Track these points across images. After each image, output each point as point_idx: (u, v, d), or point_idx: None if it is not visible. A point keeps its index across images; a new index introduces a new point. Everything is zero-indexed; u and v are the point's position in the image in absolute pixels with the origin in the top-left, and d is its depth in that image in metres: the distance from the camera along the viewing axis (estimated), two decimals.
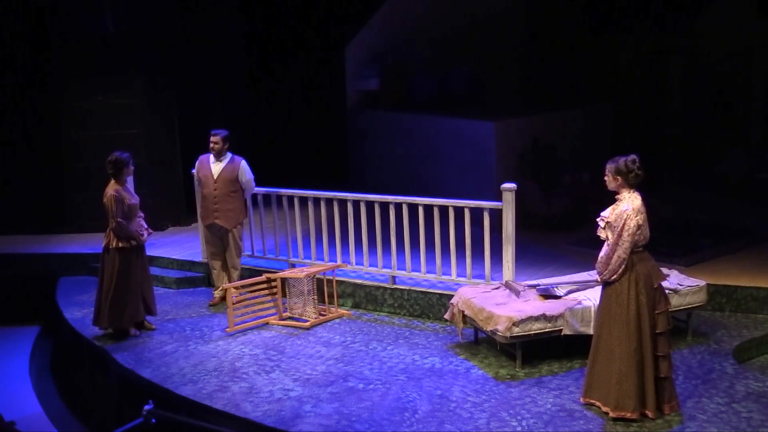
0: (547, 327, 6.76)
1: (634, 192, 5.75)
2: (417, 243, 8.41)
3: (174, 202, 11.81)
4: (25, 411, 8.36)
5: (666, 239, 9.01)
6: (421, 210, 8.30)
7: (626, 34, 13.08)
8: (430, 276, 8.38)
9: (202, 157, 9.01)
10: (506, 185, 7.72)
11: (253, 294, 8.53)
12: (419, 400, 6.33)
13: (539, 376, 6.67)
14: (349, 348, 7.55)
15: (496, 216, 7.96)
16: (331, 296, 8.56)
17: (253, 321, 8.30)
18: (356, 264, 8.84)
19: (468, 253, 8.02)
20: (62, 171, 11.55)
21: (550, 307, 6.82)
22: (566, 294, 7.08)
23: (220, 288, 8.98)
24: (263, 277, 8.62)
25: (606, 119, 12.34)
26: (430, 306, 8.27)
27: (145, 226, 8.11)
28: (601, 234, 5.84)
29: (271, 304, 8.52)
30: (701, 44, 12.57)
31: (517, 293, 7.17)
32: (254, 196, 9.26)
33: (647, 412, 5.77)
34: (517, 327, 6.66)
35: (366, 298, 8.69)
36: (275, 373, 7.00)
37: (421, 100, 12.57)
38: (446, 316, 7.49)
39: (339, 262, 8.81)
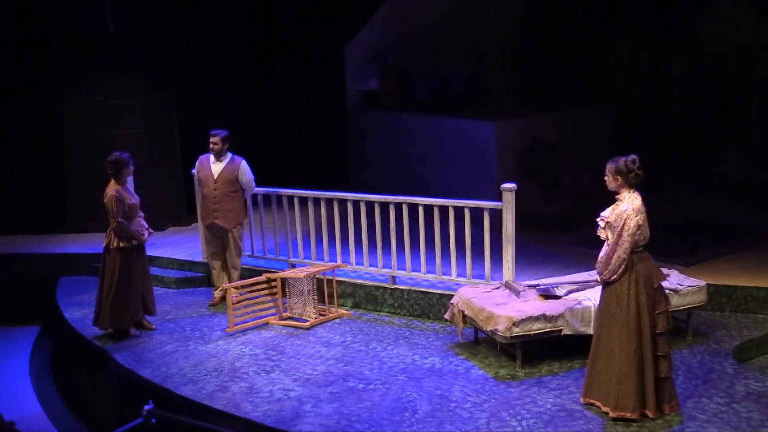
0: (547, 327, 6.76)
1: (634, 192, 5.75)
2: (417, 243, 8.41)
3: (174, 202, 11.81)
4: (25, 411, 8.35)
5: (666, 239, 9.01)
6: (421, 210, 8.30)
7: (626, 34, 13.09)
8: (430, 276, 8.38)
9: (202, 157, 9.01)
10: (506, 185, 7.72)
11: (253, 294, 8.53)
12: (419, 400, 6.33)
13: (539, 376, 6.67)
14: (349, 348, 7.55)
15: (496, 216, 7.96)
16: (331, 296, 8.56)
17: (253, 321, 8.30)
18: (356, 264, 8.84)
19: (468, 253, 8.02)
20: (62, 171, 11.55)
21: (550, 307, 6.82)
22: (566, 294, 7.08)
23: (220, 288, 8.98)
24: (263, 277, 8.62)
25: (606, 119, 12.34)
26: (430, 306, 8.27)
27: (146, 225, 8.11)
28: (601, 234, 5.84)
29: (271, 304, 8.52)
30: (701, 44, 12.57)
31: (517, 293, 7.17)
32: (254, 196, 9.26)
33: (647, 412, 5.77)
34: (517, 327, 6.66)
35: (366, 298, 8.69)
36: (275, 373, 7.00)
37: (421, 100, 12.57)
38: (446, 316, 7.49)
39: (339, 262, 8.81)
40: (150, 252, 8.84)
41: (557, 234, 10.16)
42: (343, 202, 8.87)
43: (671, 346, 5.91)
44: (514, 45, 13.89)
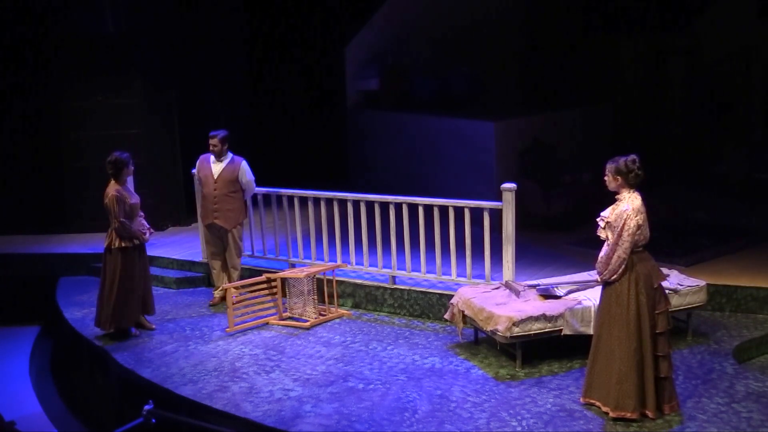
0: (547, 327, 6.76)
1: (634, 192, 5.75)
2: (417, 243, 8.41)
3: (174, 202, 11.81)
4: (25, 411, 8.35)
5: (666, 239, 9.02)
6: (421, 210, 8.30)
7: (626, 34, 13.09)
8: (430, 276, 8.38)
9: (202, 157, 9.01)
10: (506, 185, 7.72)
11: (253, 294, 8.53)
12: (419, 400, 6.33)
13: (539, 376, 6.67)
14: (349, 348, 7.55)
15: (496, 216, 7.96)
16: (331, 296, 8.56)
17: (253, 321, 8.30)
18: (356, 264, 8.84)
19: (468, 253, 8.02)
20: (62, 171, 11.55)
21: (550, 307, 6.82)
22: (566, 294, 7.08)
23: (220, 288, 8.98)
24: (263, 277, 8.62)
25: (606, 119, 12.35)
26: (430, 306, 8.27)
27: (147, 225, 8.12)
28: (601, 234, 5.84)
29: (271, 304, 8.52)
30: (701, 44, 12.57)
31: (517, 293, 7.17)
32: (254, 196, 9.26)
33: (647, 412, 5.77)
34: (517, 327, 6.66)
35: (366, 298, 8.69)
36: (275, 373, 7.00)
37: (421, 100, 12.56)
38: (446, 316, 7.49)
39: (339, 262, 8.81)
40: (150, 252, 8.84)
41: (557, 234, 10.16)
42: (343, 202, 8.87)
43: (671, 346, 5.91)
44: (514, 45, 13.89)
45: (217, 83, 13.07)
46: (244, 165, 8.84)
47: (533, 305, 6.88)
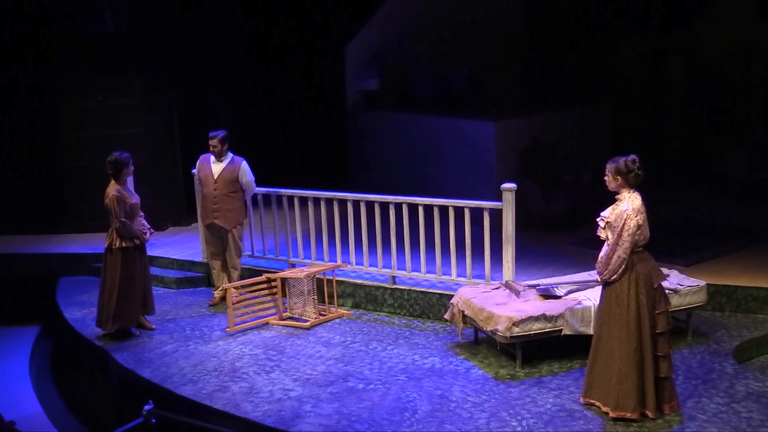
0: (547, 327, 6.76)
1: (634, 192, 5.75)
2: (417, 243, 8.41)
3: (174, 202, 11.81)
4: (25, 411, 8.35)
5: (666, 239, 9.02)
6: (421, 210, 8.30)
7: (626, 34, 13.09)
8: (430, 276, 8.38)
9: (203, 157, 9.01)
10: (506, 185, 7.72)
11: (253, 294, 8.53)
12: (419, 400, 6.33)
13: (539, 376, 6.67)
14: (349, 348, 7.55)
15: (496, 216, 7.96)
16: (331, 296, 8.56)
17: (253, 321, 8.30)
18: (356, 264, 8.84)
19: (468, 253, 8.02)
20: (62, 171, 11.56)
21: (550, 307, 6.82)
22: (566, 294, 7.08)
23: (220, 288, 8.98)
24: (263, 277, 8.62)
25: (606, 119, 12.35)
26: (430, 306, 8.27)
27: (148, 225, 8.12)
28: (601, 234, 5.84)
29: (271, 304, 8.52)
30: (701, 44, 12.57)
31: (517, 293, 7.17)
32: (254, 196, 9.26)
33: (647, 412, 5.77)
34: (517, 327, 6.66)
35: (366, 298, 8.69)
36: (275, 373, 7.00)
37: (421, 100, 12.57)
38: (446, 316, 7.49)
39: (339, 262, 8.81)
40: (150, 252, 8.84)
41: (557, 234, 10.16)
42: (343, 202, 8.87)
43: (671, 346, 5.91)
44: (514, 45, 13.89)
45: (217, 83, 13.07)
46: (245, 165, 8.84)
47: (533, 305, 6.88)
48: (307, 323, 8.19)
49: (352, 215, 8.71)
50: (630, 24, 12.99)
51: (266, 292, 8.56)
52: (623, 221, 5.64)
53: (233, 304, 8.21)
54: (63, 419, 8.36)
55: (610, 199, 5.89)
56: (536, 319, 6.71)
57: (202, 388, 6.74)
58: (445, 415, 6.04)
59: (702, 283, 7.32)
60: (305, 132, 13.99)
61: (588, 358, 6.04)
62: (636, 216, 5.64)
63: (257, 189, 9.12)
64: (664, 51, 12.90)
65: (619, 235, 5.65)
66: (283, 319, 8.37)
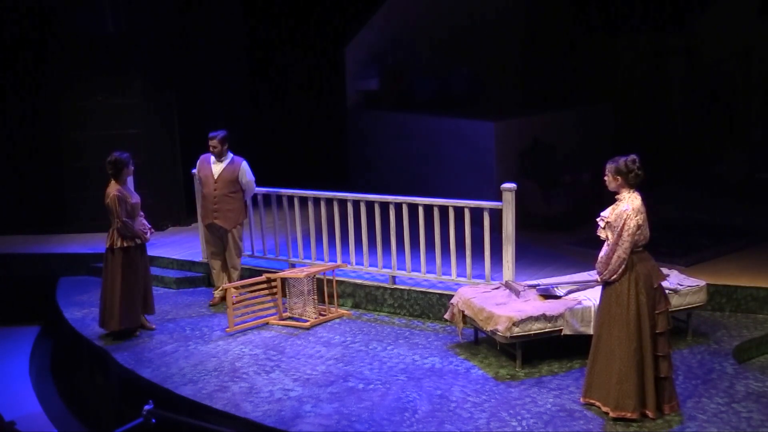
0: (547, 327, 6.76)
1: (634, 192, 5.75)
2: (417, 243, 8.41)
3: (174, 202, 11.81)
4: (25, 411, 8.35)
5: (666, 239, 9.02)
6: (421, 210, 8.30)
7: (626, 34, 13.09)
8: (430, 276, 8.38)
9: (203, 157, 9.01)
10: (506, 185, 7.72)
11: (253, 294, 8.53)
12: (419, 400, 6.33)
13: (539, 376, 6.67)
14: (349, 348, 7.55)
15: (496, 216, 7.96)
16: (331, 296, 8.56)
17: (253, 321, 8.30)
18: (356, 264, 8.84)
19: (468, 253, 8.02)
20: (62, 171, 11.55)
21: (550, 307, 6.82)
22: (566, 294, 7.08)
23: (220, 288, 8.98)
24: (263, 277, 8.62)
25: (606, 119, 12.34)
26: (430, 306, 8.27)
27: (148, 225, 8.13)
28: (601, 234, 5.84)
29: (271, 304, 8.52)
30: (701, 44, 12.57)
31: (517, 293, 7.17)
32: (254, 196, 9.26)
33: (647, 412, 5.77)
34: (517, 327, 6.66)
35: (366, 298, 8.69)
36: (275, 373, 7.00)
37: (421, 100, 12.57)
38: (446, 316, 7.49)
39: (339, 262, 8.81)
40: (150, 252, 8.84)
41: (557, 234, 10.16)
42: (343, 202, 8.87)
43: (671, 346, 5.91)
44: (514, 45, 13.89)
45: (217, 83, 13.07)
46: (245, 165, 8.84)
47: (533, 305, 6.88)
48: (307, 323, 8.19)
49: (352, 215, 8.71)
50: (630, 24, 12.98)
51: (266, 292, 8.56)
52: (623, 221, 5.64)
53: (233, 304, 8.21)
54: (63, 419, 8.36)
55: (610, 199, 5.89)
56: (536, 319, 6.71)
57: (202, 388, 6.74)
58: (445, 415, 6.04)
59: (702, 283, 7.32)
60: (305, 132, 13.99)
61: (588, 358, 6.04)
62: (636, 216, 5.64)
63: (257, 189, 9.12)
64: (664, 51, 12.90)
65: (619, 235, 5.65)
66: (283, 319, 8.37)
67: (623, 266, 5.70)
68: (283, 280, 8.51)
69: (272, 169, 11.35)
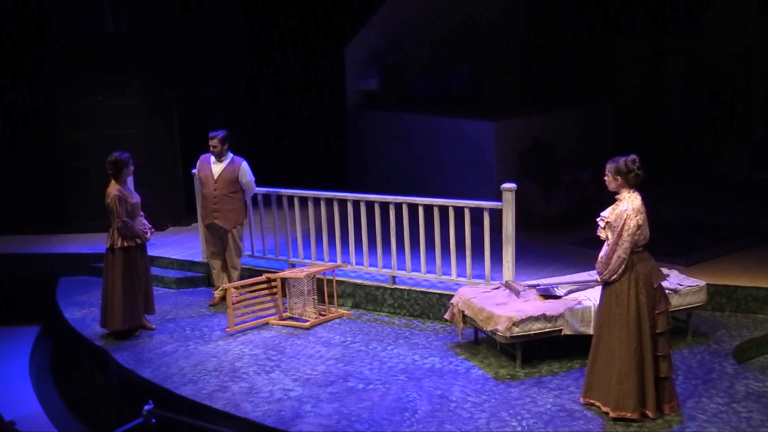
0: (547, 327, 6.76)
1: (634, 192, 5.75)
2: (417, 243, 8.41)
3: (174, 202, 11.80)
4: (25, 411, 8.36)
5: (666, 239, 9.02)
6: (421, 210, 8.30)
7: (626, 34, 13.09)
8: (430, 276, 8.38)
9: (203, 157, 9.01)
10: (506, 185, 7.72)
11: (253, 294, 8.53)
12: (419, 400, 6.33)
13: (539, 376, 6.67)
14: (349, 348, 7.55)
15: (496, 216, 7.96)
16: (331, 296, 8.56)
17: (253, 321, 8.30)
18: (356, 264, 8.84)
19: (468, 253, 8.02)
20: (62, 171, 11.55)
21: (550, 307, 6.82)
22: (566, 294, 7.08)
23: (220, 288, 8.98)
24: (263, 277, 8.62)
25: (606, 119, 12.34)
26: (430, 306, 8.27)
27: (149, 225, 8.14)
28: (601, 234, 5.84)
29: (271, 304, 8.52)
30: (701, 44, 12.57)
31: (517, 293, 7.17)
32: (254, 196, 9.26)
33: (647, 412, 5.77)
34: (517, 327, 6.66)
35: (366, 298, 8.69)
36: (275, 373, 7.00)
37: (421, 100, 12.56)
38: (446, 316, 7.49)
39: (339, 262, 8.81)
40: (150, 252, 8.84)
41: (557, 234, 10.16)
42: (343, 202, 8.87)
43: (671, 346, 5.91)
44: (514, 45, 13.89)
45: (217, 83, 13.07)
46: (245, 165, 8.84)
47: (533, 305, 6.88)
48: (307, 323, 8.19)
49: (352, 215, 8.71)
50: (630, 24, 12.98)
51: (266, 292, 8.56)
52: (623, 221, 5.64)
53: (233, 304, 8.21)
54: (63, 419, 8.36)
55: (610, 199, 5.89)
56: (536, 319, 6.71)
57: (202, 388, 6.74)
58: (445, 415, 6.04)
59: (702, 283, 7.32)
60: (305, 132, 13.99)
61: (588, 358, 6.04)
62: (636, 216, 5.64)
63: (257, 189, 9.12)
64: (664, 51, 12.90)
65: (619, 235, 5.65)
66: (283, 319, 8.37)
67: (623, 266, 5.70)
68: (283, 280, 8.51)
69: (272, 169, 11.35)
